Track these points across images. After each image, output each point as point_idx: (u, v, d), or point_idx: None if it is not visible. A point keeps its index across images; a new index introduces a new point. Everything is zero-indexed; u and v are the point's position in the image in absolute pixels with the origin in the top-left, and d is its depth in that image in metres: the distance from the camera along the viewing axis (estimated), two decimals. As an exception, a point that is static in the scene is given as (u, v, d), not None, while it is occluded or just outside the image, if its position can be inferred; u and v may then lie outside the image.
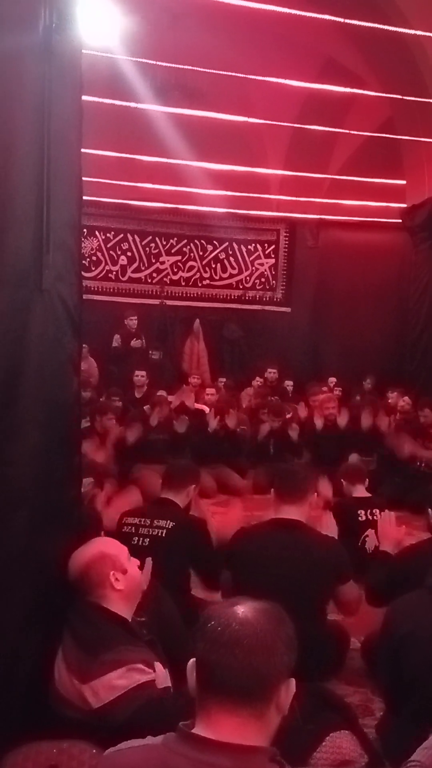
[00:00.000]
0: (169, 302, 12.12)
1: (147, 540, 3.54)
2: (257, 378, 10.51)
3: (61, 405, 2.47)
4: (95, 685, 2.08)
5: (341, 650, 3.50)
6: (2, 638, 2.18)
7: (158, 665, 2.16)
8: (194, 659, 1.45)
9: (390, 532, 3.56)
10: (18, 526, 2.21)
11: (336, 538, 3.73)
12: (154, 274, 12.22)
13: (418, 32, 7.30)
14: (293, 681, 1.45)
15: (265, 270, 12.65)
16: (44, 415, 2.32)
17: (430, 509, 3.50)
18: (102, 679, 2.08)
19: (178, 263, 12.31)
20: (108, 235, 11.91)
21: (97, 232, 11.77)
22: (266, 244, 12.62)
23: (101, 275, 11.92)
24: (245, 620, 1.41)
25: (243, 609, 1.44)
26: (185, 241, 12.28)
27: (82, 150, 2.53)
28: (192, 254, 12.35)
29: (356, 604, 3.34)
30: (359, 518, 4.89)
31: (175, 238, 12.24)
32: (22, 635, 2.25)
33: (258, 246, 12.59)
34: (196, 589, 3.77)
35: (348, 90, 8.35)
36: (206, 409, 8.76)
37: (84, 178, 2.56)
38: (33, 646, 2.27)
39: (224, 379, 10.97)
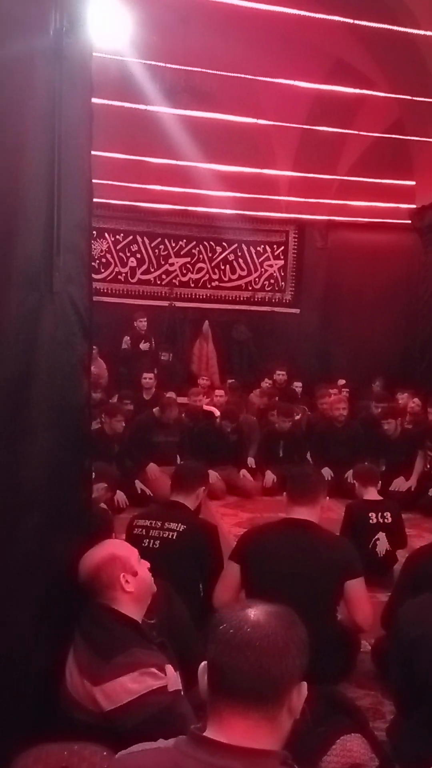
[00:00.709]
0: (178, 304, 12.15)
1: (157, 542, 3.55)
2: (266, 379, 10.50)
3: (72, 407, 2.48)
4: (107, 688, 2.07)
5: (352, 653, 3.48)
6: (14, 639, 2.18)
7: (169, 668, 2.15)
8: (206, 662, 1.44)
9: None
10: (30, 528, 2.21)
11: (346, 538, 3.71)
12: (164, 276, 12.24)
13: (428, 33, 7.28)
14: (305, 684, 1.45)
15: (274, 271, 12.66)
16: (55, 417, 2.32)
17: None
18: (114, 682, 2.07)
19: (187, 265, 12.33)
20: (117, 237, 11.94)
21: (106, 234, 11.81)
22: (275, 246, 12.63)
23: (111, 277, 11.95)
24: (257, 623, 1.41)
25: (255, 612, 1.43)
26: (194, 242, 12.30)
27: (92, 152, 2.53)
28: (201, 256, 12.37)
29: (365, 602, 3.29)
30: (370, 521, 4.89)
31: (184, 240, 12.26)
32: (33, 637, 2.25)
33: (267, 247, 12.60)
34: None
35: (357, 91, 8.36)
36: (215, 410, 8.76)
37: (94, 180, 2.56)
38: (45, 648, 2.27)
39: (232, 380, 10.98)
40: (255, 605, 1.47)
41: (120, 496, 6.28)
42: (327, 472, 7.10)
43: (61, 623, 2.31)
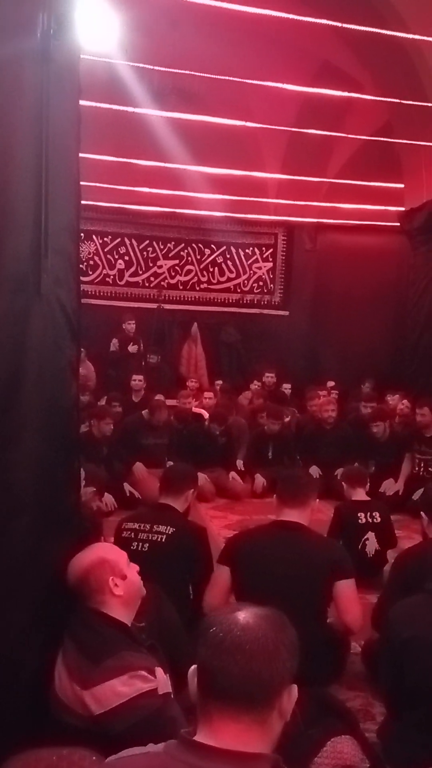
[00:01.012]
0: (166, 306, 12.13)
1: (146, 545, 3.54)
2: (255, 381, 10.50)
3: (61, 409, 2.47)
4: (96, 692, 2.06)
5: (342, 655, 3.48)
6: (3, 643, 2.17)
7: (159, 671, 2.14)
8: (196, 665, 1.44)
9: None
10: (19, 532, 2.20)
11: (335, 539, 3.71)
12: (152, 278, 12.23)
13: (416, 36, 7.30)
14: (295, 687, 1.44)
15: (263, 273, 12.66)
16: (44, 420, 2.31)
17: (422, 513, 3.49)
18: (104, 685, 2.06)
19: (176, 267, 12.32)
20: (105, 239, 11.92)
21: (94, 237, 11.78)
22: (264, 248, 12.63)
23: (99, 279, 11.92)
24: (247, 626, 1.40)
25: (245, 615, 1.43)
26: (183, 245, 12.29)
27: (80, 154, 2.53)
28: (189, 258, 12.37)
29: (354, 604, 3.28)
30: (359, 521, 4.90)
31: (173, 242, 12.25)
32: (22, 640, 2.24)
33: (256, 249, 12.61)
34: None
35: (345, 94, 8.36)
36: (204, 413, 8.76)
37: (82, 183, 2.55)
38: (34, 652, 2.26)
39: (220, 382, 10.97)
40: (245, 608, 1.46)
41: (108, 499, 6.26)
42: (315, 471, 7.14)
43: (52, 627, 2.30)
